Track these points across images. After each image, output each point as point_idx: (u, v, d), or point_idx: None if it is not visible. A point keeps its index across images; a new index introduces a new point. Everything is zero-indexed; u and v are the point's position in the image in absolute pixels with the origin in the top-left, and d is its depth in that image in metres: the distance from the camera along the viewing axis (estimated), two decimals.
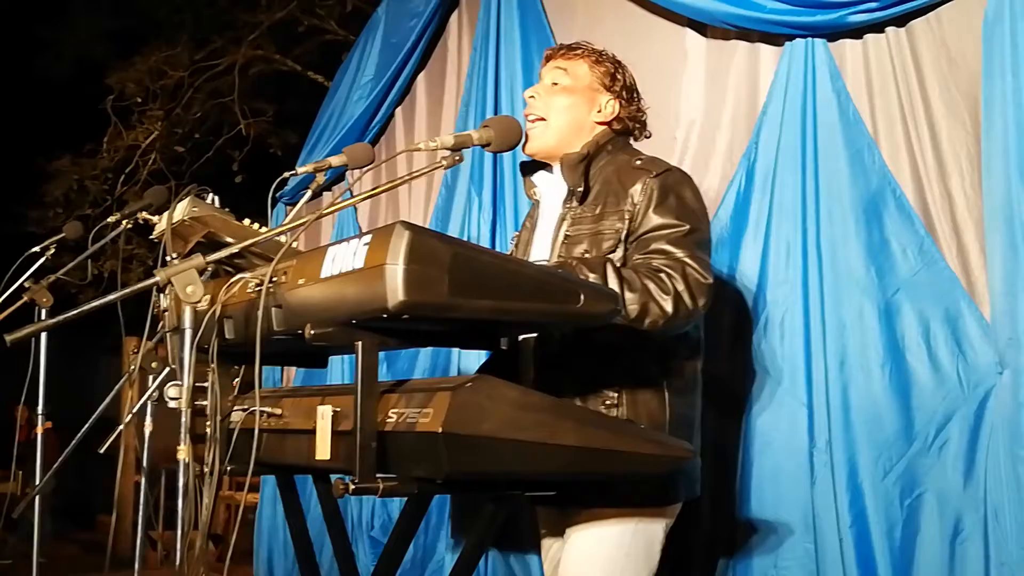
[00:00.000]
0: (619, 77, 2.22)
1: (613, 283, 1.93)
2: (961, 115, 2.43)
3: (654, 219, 2.05)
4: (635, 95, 2.25)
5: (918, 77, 2.52)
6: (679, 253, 2.01)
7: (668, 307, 1.95)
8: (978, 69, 2.35)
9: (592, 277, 1.93)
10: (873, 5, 2.51)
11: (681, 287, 1.97)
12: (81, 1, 9.71)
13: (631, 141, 2.26)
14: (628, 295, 1.93)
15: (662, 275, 1.98)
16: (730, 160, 2.93)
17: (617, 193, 2.10)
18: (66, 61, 9.88)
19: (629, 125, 2.24)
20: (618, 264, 2.02)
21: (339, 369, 4.18)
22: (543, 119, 2.19)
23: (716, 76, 3.01)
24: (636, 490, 2.00)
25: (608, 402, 2.03)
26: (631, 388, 2.04)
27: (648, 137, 2.30)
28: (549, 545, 2.27)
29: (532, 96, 2.22)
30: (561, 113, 2.19)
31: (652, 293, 1.95)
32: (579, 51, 2.24)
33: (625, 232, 2.06)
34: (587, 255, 2.07)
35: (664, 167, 2.12)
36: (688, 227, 2.03)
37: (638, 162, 2.13)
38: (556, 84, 2.22)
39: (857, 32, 2.63)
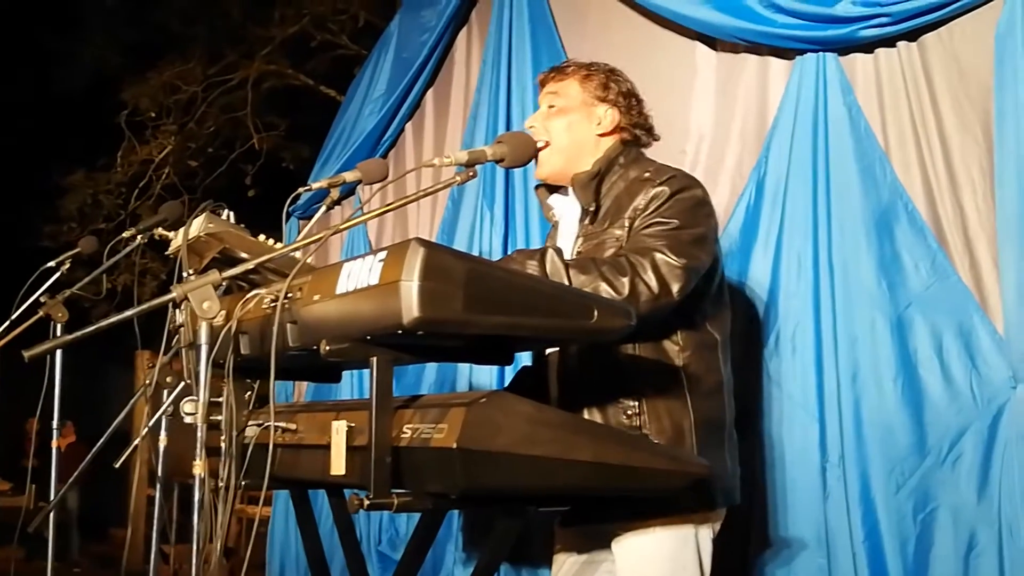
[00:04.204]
0: (612, 85, 2.20)
1: (556, 268, 1.88)
2: (973, 128, 2.43)
3: (647, 220, 2.01)
4: (634, 100, 2.22)
5: (929, 91, 2.52)
6: (654, 243, 1.96)
7: (623, 288, 1.88)
8: (990, 82, 2.36)
9: (531, 264, 1.89)
10: (884, 20, 2.52)
11: (644, 270, 1.91)
12: (95, 15, 9.79)
13: (643, 151, 2.23)
14: (579, 278, 1.87)
15: (621, 259, 1.92)
16: (740, 174, 2.93)
17: (624, 207, 2.08)
18: (80, 76, 9.96)
19: (636, 133, 2.21)
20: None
21: (349, 383, 4.18)
22: (548, 143, 2.19)
23: (726, 90, 3.02)
24: (675, 500, 1.93)
25: (629, 412, 2.01)
26: (651, 396, 2.02)
27: (657, 140, 2.26)
28: (563, 561, 2.25)
29: (532, 126, 2.21)
30: (562, 134, 2.18)
31: (606, 274, 1.88)
32: (567, 70, 2.22)
33: (626, 238, 2.04)
34: None
35: (670, 174, 2.09)
36: (676, 223, 1.99)
37: (647, 174, 2.11)
38: (552, 107, 2.21)
39: (868, 46, 2.64)
